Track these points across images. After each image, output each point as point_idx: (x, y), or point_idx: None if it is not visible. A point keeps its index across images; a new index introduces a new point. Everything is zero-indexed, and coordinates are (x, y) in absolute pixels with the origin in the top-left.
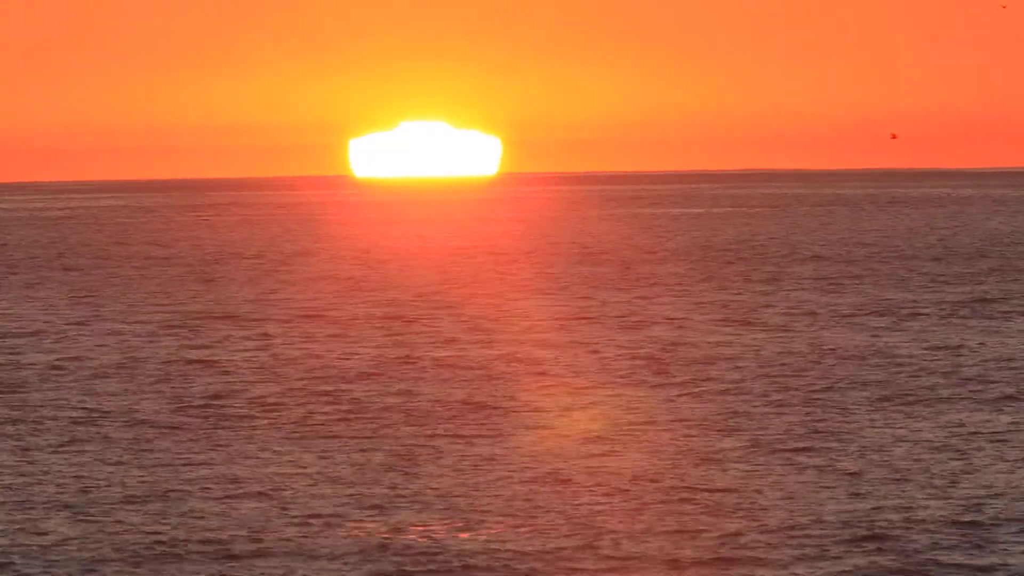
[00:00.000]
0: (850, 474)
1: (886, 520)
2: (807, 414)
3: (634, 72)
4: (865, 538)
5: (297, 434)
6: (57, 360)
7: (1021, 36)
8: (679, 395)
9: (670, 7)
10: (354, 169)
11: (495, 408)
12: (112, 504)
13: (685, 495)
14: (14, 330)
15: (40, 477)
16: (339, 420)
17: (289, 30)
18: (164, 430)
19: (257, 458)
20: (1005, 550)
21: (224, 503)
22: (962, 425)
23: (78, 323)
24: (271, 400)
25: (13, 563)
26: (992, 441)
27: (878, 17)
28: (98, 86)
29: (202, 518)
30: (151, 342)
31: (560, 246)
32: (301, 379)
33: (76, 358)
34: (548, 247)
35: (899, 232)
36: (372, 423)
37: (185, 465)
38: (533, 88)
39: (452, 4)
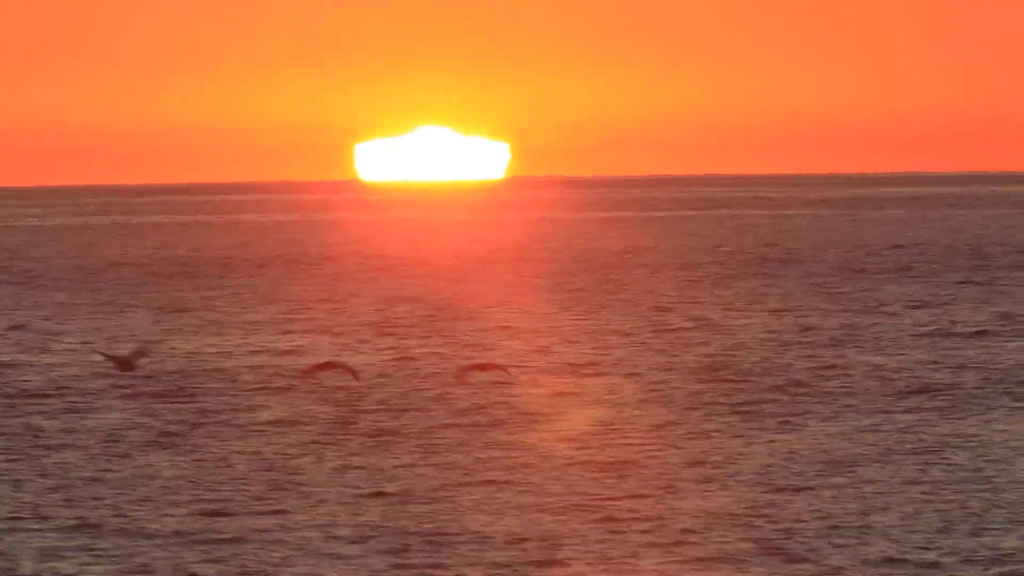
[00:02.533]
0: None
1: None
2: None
3: (642, 76)
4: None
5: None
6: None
7: (1021, 36)
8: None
9: (678, 11)
10: (360, 173)
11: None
12: None
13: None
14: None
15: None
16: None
17: (293, 34)
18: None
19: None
20: None
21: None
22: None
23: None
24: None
25: None
26: None
27: (878, 17)
28: (98, 87)
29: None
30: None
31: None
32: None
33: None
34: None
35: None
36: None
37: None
38: (540, 93)
39: (458, 9)
